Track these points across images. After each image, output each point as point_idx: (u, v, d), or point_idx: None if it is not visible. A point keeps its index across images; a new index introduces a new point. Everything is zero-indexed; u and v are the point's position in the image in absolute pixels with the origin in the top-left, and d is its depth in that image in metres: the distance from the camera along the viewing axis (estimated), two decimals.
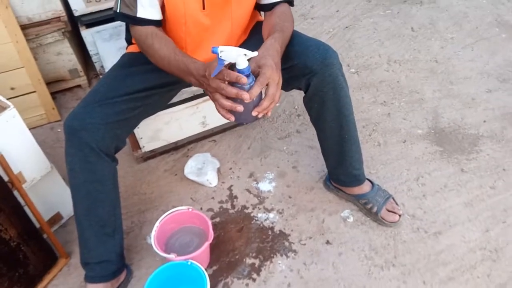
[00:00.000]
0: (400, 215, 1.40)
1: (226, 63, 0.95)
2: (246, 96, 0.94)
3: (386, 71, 2.01)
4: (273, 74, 1.00)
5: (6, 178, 1.16)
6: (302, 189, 1.54)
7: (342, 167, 1.37)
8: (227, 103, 0.97)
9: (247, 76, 0.96)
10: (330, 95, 1.20)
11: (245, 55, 0.93)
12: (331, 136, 1.30)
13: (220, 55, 0.93)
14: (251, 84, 0.97)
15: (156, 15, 1.11)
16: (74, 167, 1.13)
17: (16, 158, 1.18)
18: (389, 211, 1.40)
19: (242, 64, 0.94)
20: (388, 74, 2.00)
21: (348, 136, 1.29)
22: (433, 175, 1.56)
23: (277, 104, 1.85)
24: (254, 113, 1.01)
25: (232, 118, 1.02)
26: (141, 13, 1.08)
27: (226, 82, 0.97)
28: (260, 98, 1.01)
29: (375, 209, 1.40)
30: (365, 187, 1.42)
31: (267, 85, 1.00)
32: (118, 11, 1.10)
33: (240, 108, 0.97)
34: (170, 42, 1.10)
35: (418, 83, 1.95)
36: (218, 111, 1.04)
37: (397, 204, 1.43)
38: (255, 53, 0.94)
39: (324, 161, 1.47)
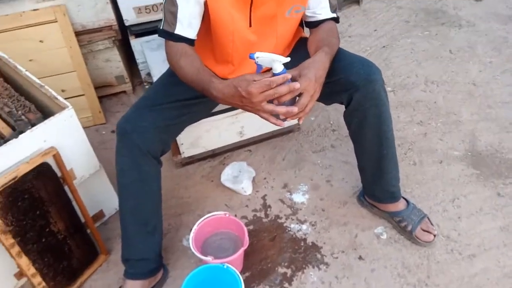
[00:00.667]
0: (434, 235, 1.39)
1: (263, 68, 1.04)
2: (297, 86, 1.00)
3: (423, 91, 2.02)
4: (308, 86, 1.04)
5: (59, 174, 1.24)
6: (336, 203, 1.55)
7: (378, 183, 1.39)
8: (282, 110, 1.02)
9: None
10: (372, 111, 1.22)
11: (280, 61, 1.00)
12: (370, 152, 1.33)
13: (256, 60, 1.02)
14: None
15: (191, 35, 1.17)
16: (124, 167, 1.20)
17: (69, 155, 1.25)
18: (424, 230, 1.40)
19: (278, 68, 1.02)
20: (425, 95, 2.00)
21: (387, 152, 1.31)
22: (469, 198, 1.55)
23: (311, 118, 1.89)
24: (281, 117, 1.07)
25: (283, 124, 1.06)
26: (179, 30, 1.15)
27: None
28: (292, 103, 1.06)
29: (409, 228, 1.40)
30: (400, 205, 1.43)
31: (301, 93, 1.05)
32: (161, 28, 1.17)
33: (295, 109, 1.02)
34: (196, 60, 1.15)
35: (456, 105, 1.94)
36: (267, 119, 1.07)
37: (432, 224, 1.43)
38: (287, 59, 1.00)
39: (358, 176, 1.49)
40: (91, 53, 1.88)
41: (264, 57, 1.01)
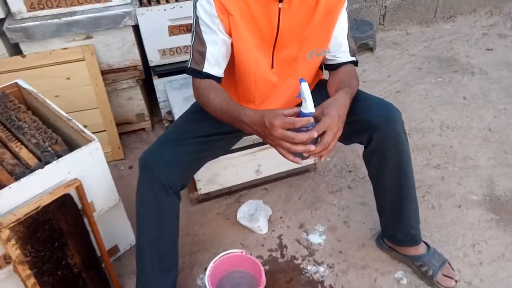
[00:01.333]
0: (456, 281, 1.36)
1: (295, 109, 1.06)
2: (314, 134, 1.03)
3: (438, 135, 2.03)
4: (332, 124, 1.06)
5: (79, 206, 1.25)
6: (354, 245, 1.53)
7: (398, 225, 1.37)
8: (300, 148, 1.03)
9: None
10: (392, 151, 1.23)
11: (310, 105, 1.04)
12: (389, 192, 1.32)
13: (301, 86, 1.04)
14: (309, 128, 1.05)
15: (219, 73, 1.23)
16: (144, 200, 1.21)
17: (91, 187, 1.26)
18: (445, 276, 1.36)
19: (306, 109, 1.04)
20: (440, 139, 2.01)
21: (407, 193, 1.30)
22: (490, 243, 1.52)
23: (328, 159, 1.90)
24: (305, 154, 1.08)
25: (300, 161, 1.07)
26: (207, 68, 1.20)
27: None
28: (315, 141, 1.08)
29: (430, 273, 1.36)
30: (421, 249, 1.40)
31: (324, 132, 1.06)
32: (189, 66, 1.23)
33: (312, 147, 1.03)
34: (224, 93, 1.19)
35: (472, 149, 1.94)
36: (285, 156, 1.08)
37: (453, 269, 1.39)
38: (314, 110, 1.05)
39: (376, 218, 1.48)
40: (115, 91, 1.94)
41: (304, 92, 1.04)
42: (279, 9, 1.17)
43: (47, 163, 1.16)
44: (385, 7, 2.92)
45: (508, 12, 3.19)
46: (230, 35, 1.19)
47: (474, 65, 2.58)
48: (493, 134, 2.04)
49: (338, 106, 1.10)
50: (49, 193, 1.14)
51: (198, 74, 1.21)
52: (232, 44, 1.21)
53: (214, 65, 1.20)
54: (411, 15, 3.04)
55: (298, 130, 1.08)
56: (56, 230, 1.17)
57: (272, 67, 1.29)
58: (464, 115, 2.16)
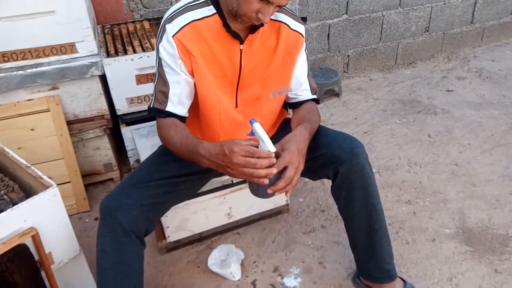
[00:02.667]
0: None
1: (254, 137, 1.07)
2: (274, 171, 1.02)
3: (407, 172, 2.06)
4: (292, 159, 1.07)
5: (36, 257, 1.17)
6: (330, 286, 1.47)
7: (372, 261, 1.34)
8: (262, 172, 1.02)
9: None
10: (358, 183, 1.23)
11: (267, 147, 1.05)
12: (360, 226, 1.30)
13: (254, 127, 1.06)
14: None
15: (182, 112, 1.24)
16: (105, 247, 1.14)
17: (49, 237, 1.19)
18: None
19: (270, 147, 1.05)
20: (409, 175, 2.04)
21: (377, 227, 1.29)
22: (466, 275, 1.49)
23: (300, 199, 1.89)
24: (269, 191, 1.08)
25: (266, 181, 1.05)
26: (170, 108, 1.21)
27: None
28: (278, 177, 1.07)
29: None
30: (397, 285, 1.36)
31: (285, 167, 1.06)
32: (151, 106, 1.24)
33: (274, 170, 1.03)
34: (185, 130, 1.20)
35: (441, 184, 1.97)
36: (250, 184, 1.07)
37: None
38: (274, 150, 1.05)
39: (351, 257, 1.44)
40: (81, 141, 1.91)
41: (259, 133, 1.05)
42: (241, 50, 1.21)
43: (1, 211, 1.10)
44: (348, 56, 3.08)
45: (464, 57, 3.40)
46: (192, 75, 1.21)
47: (436, 105, 2.69)
48: (460, 168, 2.08)
49: (297, 140, 1.11)
50: (2, 243, 1.07)
51: (160, 113, 1.21)
52: (195, 84, 1.23)
53: (177, 104, 1.21)
54: (373, 63, 3.20)
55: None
56: (8, 284, 1.09)
57: (236, 106, 1.30)
58: (430, 152, 2.22)
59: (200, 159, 1.11)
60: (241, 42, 1.20)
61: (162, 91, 1.21)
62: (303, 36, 1.29)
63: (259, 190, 1.13)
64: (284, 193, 1.10)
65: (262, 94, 1.31)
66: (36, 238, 1.14)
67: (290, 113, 1.47)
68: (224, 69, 1.23)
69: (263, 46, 1.25)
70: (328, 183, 1.94)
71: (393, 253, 1.35)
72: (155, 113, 1.23)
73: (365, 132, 2.42)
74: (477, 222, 1.73)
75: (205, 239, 1.68)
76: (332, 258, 1.59)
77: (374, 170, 2.04)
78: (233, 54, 1.22)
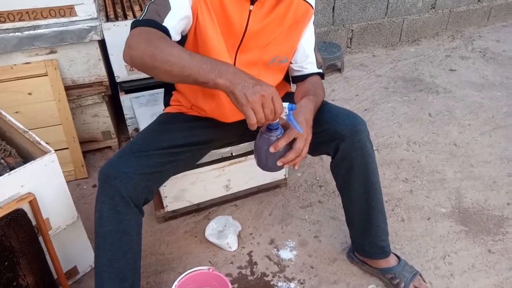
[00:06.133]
0: None
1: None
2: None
3: (406, 150, 2.06)
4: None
5: (33, 223, 1.17)
6: (325, 260, 1.49)
7: (368, 237, 1.35)
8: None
9: (276, 129, 1.05)
10: (358, 161, 1.23)
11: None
12: (358, 203, 1.31)
13: (290, 114, 1.03)
14: (279, 136, 1.05)
15: (176, 38, 1.09)
16: (103, 214, 1.14)
17: (46, 203, 1.19)
18: (416, 287, 1.34)
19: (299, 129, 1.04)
20: (408, 154, 2.04)
21: (374, 204, 1.29)
22: (460, 255, 1.51)
23: (298, 174, 1.89)
24: (279, 163, 1.08)
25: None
26: (168, 23, 1.04)
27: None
28: (287, 150, 1.07)
29: (402, 285, 1.33)
30: (392, 261, 1.38)
31: (295, 139, 1.05)
32: (141, 18, 1.05)
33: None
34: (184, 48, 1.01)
35: (439, 163, 1.97)
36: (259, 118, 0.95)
37: (424, 281, 1.37)
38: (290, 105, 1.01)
39: (347, 232, 1.46)
40: (79, 107, 1.88)
41: (292, 120, 1.03)
42: (250, 11, 1.16)
43: None
44: (352, 30, 3.02)
45: (468, 36, 3.35)
46: (196, 18, 1.11)
47: (438, 85, 2.67)
48: (459, 148, 2.08)
49: (304, 112, 1.09)
50: None
51: (153, 24, 1.02)
52: (195, 32, 1.15)
53: (175, 30, 1.07)
54: (377, 39, 3.15)
55: (267, 138, 1.06)
56: (6, 248, 1.09)
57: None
58: (430, 131, 2.21)
59: (219, 70, 0.94)
60: (252, 3, 1.16)
61: (159, 10, 1.04)
62: (312, 8, 1.25)
63: (267, 163, 1.11)
64: (292, 166, 1.09)
65: (262, 60, 1.26)
66: (33, 204, 1.14)
67: (292, 87, 1.45)
68: (229, 27, 1.17)
69: (273, 11, 1.20)
70: (326, 158, 1.96)
71: (388, 230, 1.37)
72: (146, 23, 1.01)
73: (366, 109, 2.40)
74: (473, 203, 1.75)
75: (203, 210, 1.69)
76: (328, 232, 1.60)
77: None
78: (241, 13, 1.16)
